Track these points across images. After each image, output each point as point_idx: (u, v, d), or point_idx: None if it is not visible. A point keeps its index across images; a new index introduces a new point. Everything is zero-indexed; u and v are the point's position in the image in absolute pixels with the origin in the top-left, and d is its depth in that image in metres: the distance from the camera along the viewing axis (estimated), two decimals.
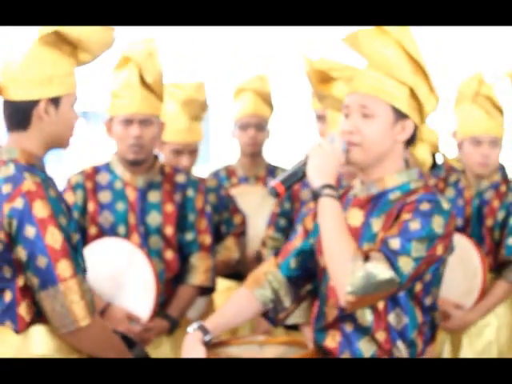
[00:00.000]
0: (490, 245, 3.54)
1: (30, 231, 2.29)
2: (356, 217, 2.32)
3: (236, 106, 4.24)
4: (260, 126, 4.17)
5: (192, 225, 3.19)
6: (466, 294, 3.45)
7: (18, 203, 2.29)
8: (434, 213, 2.21)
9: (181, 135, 3.64)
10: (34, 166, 2.36)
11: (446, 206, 2.24)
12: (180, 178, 3.23)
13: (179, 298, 3.18)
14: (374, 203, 2.30)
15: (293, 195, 3.60)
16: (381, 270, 2.13)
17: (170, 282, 3.17)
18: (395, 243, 2.17)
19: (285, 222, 3.61)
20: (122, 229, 3.16)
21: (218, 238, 3.68)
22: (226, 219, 3.75)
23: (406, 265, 2.16)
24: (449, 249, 2.28)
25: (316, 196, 2.24)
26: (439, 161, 3.65)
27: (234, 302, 2.44)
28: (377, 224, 2.28)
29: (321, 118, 3.49)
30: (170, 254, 3.17)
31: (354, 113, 2.29)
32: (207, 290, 3.25)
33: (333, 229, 2.20)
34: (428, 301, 2.30)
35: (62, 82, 2.38)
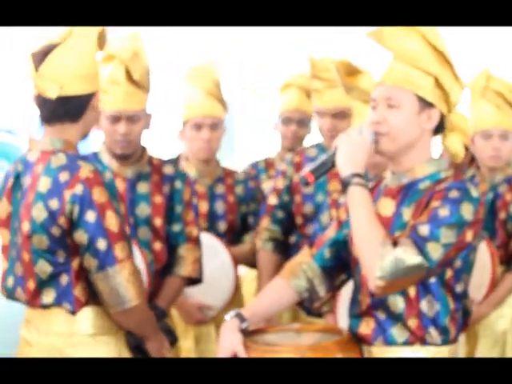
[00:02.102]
0: (503, 238, 3.65)
1: (90, 216, 2.44)
2: (387, 206, 2.37)
3: (281, 101, 4.33)
4: (302, 121, 4.28)
5: (179, 216, 3.21)
6: (477, 288, 3.50)
7: (78, 189, 2.45)
8: (463, 200, 2.25)
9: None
10: (85, 156, 2.54)
11: (475, 193, 2.28)
12: (168, 170, 3.24)
13: (167, 289, 3.19)
14: (405, 193, 2.36)
15: (292, 188, 3.63)
16: (409, 255, 2.19)
17: (158, 273, 3.18)
18: (424, 229, 2.22)
19: (283, 215, 3.64)
20: None
21: (246, 228, 3.81)
22: (253, 210, 3.83)
23: (435, 250, 2.21)
24: (478, 236, 2.32)
25: (346, 185, 2.29)
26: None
27: (271, 292, 2.50)
28: (407, 213, 2.32)
29: (319, 113, 3.57)
30: (158, 245, 3.18)
31: (381, 104, 2.36)
32: (195, 281, 3.27)
33: (362, 216, 2.27)
34: (459, 288, 2.34)
35: (98, 75, 2.59)
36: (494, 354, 3.62)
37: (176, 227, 3.20)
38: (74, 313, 2.52)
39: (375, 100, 2.38)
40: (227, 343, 2.34)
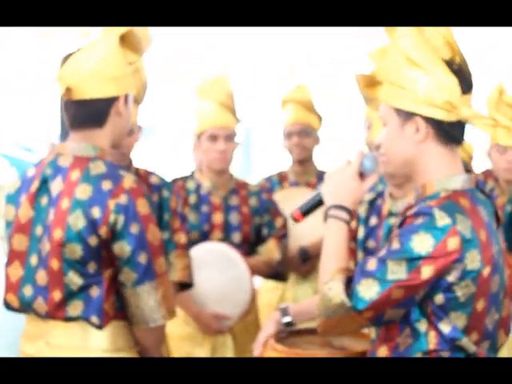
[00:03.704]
0: None
1: (134, 227, 2.37)
2: (397, 222, 2.16)
3: (282, 117, 4.45)
4: (303, 132, 4.36)
5: (167, 224, 3.23)
6: None
7: (123, 200, 2.37)
8: (420, 229, 1.99)
9: None
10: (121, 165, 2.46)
11: (441, 222, 1.99)
12: (154, 180, 3.28)
13: None
14: None
15: None
16: (334, 293, 2.03)
17: None
18: (372, 263, 2.02)
19: None
20: None
21: (260, 240, 3.86)
22: (267, 222, 3.88)
23: (368, 289, 2.00)
24: (455, 271, 2.00)
25: (324, 216, 2.20)
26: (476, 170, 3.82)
27: None
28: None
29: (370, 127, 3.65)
30: None
31: (381, 125, 2.21)
32: (186, 286, 3.29)
33: (326, 249, 2.14)
34: (445, 328, 2.04)
35: (129, 79, 2.50)
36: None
37: (165, 235, 3.21)
38: (101, 327, 2.42)
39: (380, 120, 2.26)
40: (260, 333, 2.44)
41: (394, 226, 2.18)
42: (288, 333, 2.50)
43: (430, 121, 2.09)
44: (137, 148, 3.31)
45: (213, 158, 3.77)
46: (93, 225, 2.36)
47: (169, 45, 7.18)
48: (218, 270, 3.55)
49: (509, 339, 3.55)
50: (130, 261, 2.36)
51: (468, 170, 3.81)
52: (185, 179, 3.89)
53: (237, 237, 3.80)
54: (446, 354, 2.05)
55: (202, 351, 3.61)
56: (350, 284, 2.03)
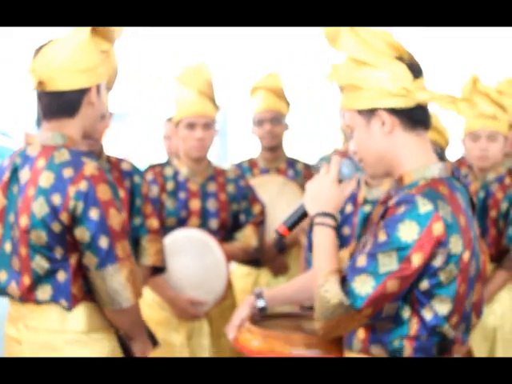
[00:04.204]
0: (494, 236, 3.74)
1: (94, 213, 2.43)
2: (378, 213, 2.24)
3: (252, 104, 4.47)
4: (275, 119, 4.42)
5: (139, 210, 3.26)
6: None
7: (83, 186, 2.43)
8: (404, 218, 2.04)
9: None
10: (88, 152, 2.51)
11: (423, 208, 2.04)
12: (125, 166, 3.30)
13: None
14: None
15: None
16: (332, 294, 2.06)
17: None
18: (362, 260, 2.07)
19: None
20: None
21: (238, 226, 3.90)
22: (244, 208, 3.92)
23: (363, 285, 2.03)
24: (440, 256, 2.06)
25: (311, 224, 2.26)
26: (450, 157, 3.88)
27: (297, 281, 2.56)
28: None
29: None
30: None
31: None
32: (159, 270, 3.32)
33: (316, 255, 2.19)
34: (428, 315, 2.09)
35: (101, 70, 2.56)
36: (482, 349, 3.69)
37: (137, 220, 3.24)
38: (70, 309, 2.51)
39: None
40: (234, 316, 2.48)
41: (369, 213, 2.23)
42: (261, 317, 2.54)
43: (391, 111, 2.16)
44: (108, 134, 3.32)
45: (191, 146, 3.80)
46: (54, 211, 2.44)
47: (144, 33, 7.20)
48: (194, 255, 3.58)
49: (503, 336, 3.71)
50: (91, 245, 2.43)
51: (442, 158, 3.89)
52: (163, 166, 3.92)
53: (214, 223, 3.83)
54: (424, 339, 2.10)
55: (177, 336, 3.64)
56: (344, 284, 2.06)
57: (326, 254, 2.17)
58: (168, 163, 3.95)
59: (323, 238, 2.19)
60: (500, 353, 3.72)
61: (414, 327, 2.10)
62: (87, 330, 2.53)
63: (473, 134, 3.76)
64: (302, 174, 4.56)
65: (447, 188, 2.13)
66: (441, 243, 2.04)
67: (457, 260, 2.06)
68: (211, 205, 3.86)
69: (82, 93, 2.53)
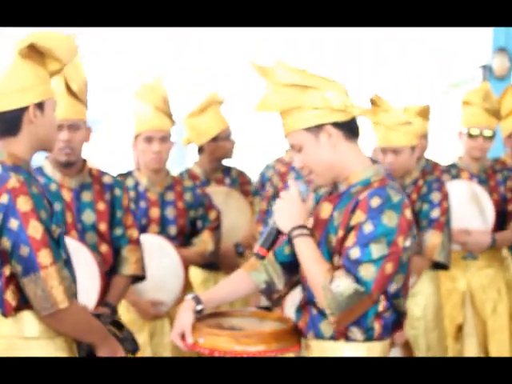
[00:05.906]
0: None
1: (13, 223, 2.54)
2: (326, 210, 2.55)
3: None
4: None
5: (120, 221, 3.50)
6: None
7: (4, 199, 2.54)
8: (384, 208, 2.36)
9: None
10: (20, 167, 2.60)
11: (395, 198, 2.39)
12: (107, 179, 3.53)
13: (115, 288, 3.48)
14: (341, 199, 2.52)
15: (277, 194, 3.98)
16: (344, 287, 2.33)
17: (106, 274, 3.47)
18: (355, 252, 2.36)
19: None
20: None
21: (195, 232, 4.17)
22: (201, 215, 4.19)
23: (367, 271, 2.33)
24: (411, 235, 2.42)
25: (290, 239, 2.52)
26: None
27: (230, 281, 2.74)
28: (338, 217, 2.48)
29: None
30: (104, 248, 3.48)
31: (295, 152, 2.56)
32: (139, 278, 3.59)
33: (307, 262, 2.46)
34: (392, 288, 2.44)
35: (42, 88, 2.63)
36: (410, 338, 3.95)
37: (118, 231, 3.48)
38: (5, 316, 2.58)
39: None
40: (179, 322, 2.59)
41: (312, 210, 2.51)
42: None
43: (335, 125, 2.50)
44: (86, 145, 3.48)
45: (149, 159, 4.05)
46: None
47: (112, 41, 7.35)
48: (153, 259, 3.81)
49: (427, 325, 4.00)
50: (13, 254, 2.54)
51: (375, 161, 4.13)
52: (125, 176, 4.16)
53: (173, 230, 4.09)
54: (387, 315, 2.44)
55: (141, 336, 3.88)
56: (349, 275, 2.33)
57: (315, 257, 2.44)
58: (130, 173, 4.19)
59: (306, 245, 2.47)
60: (423, 340, 4.06)
61: (382, 303, 2.43)
62: (44, 337, 2.61)
63: (381, 148, 3.93)
64: (238, 180, 4.84)
65: (395, 183, 2.49)
66: (412, 225, 2.42)
67: (415, 241, 2.45)
68: (170, 212, 4.10)
69: (20, 112, 2.60)
